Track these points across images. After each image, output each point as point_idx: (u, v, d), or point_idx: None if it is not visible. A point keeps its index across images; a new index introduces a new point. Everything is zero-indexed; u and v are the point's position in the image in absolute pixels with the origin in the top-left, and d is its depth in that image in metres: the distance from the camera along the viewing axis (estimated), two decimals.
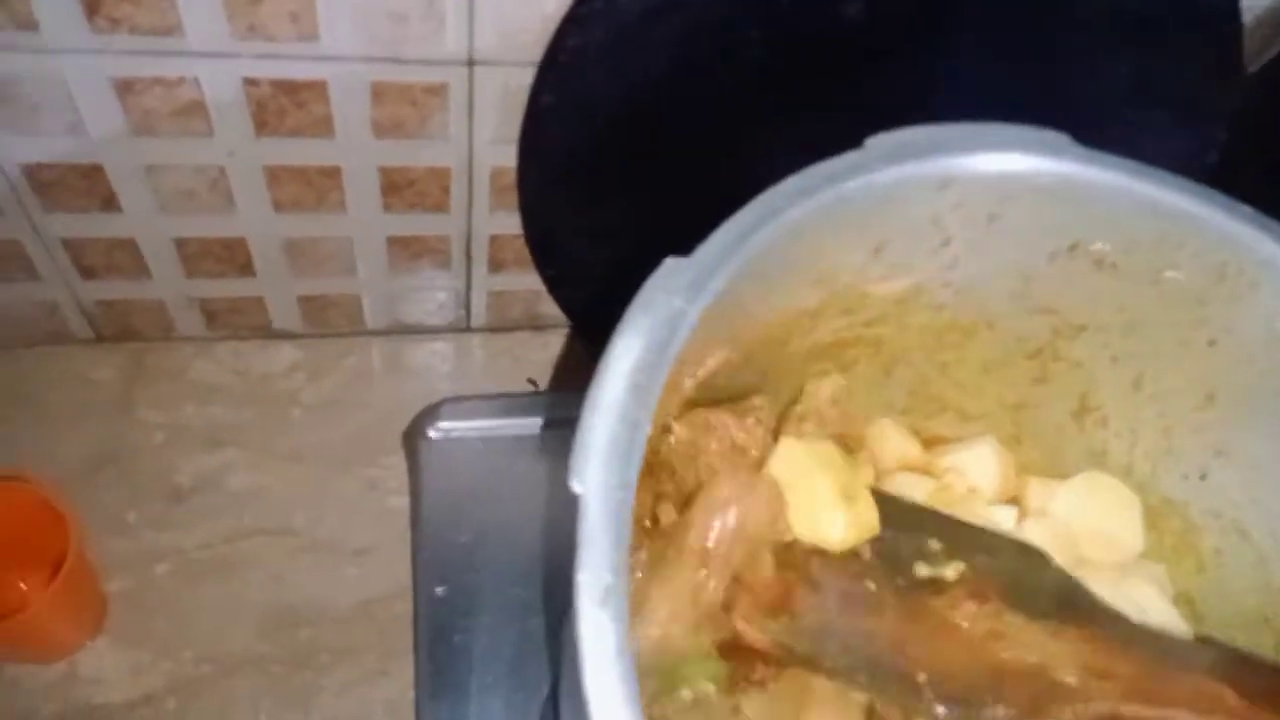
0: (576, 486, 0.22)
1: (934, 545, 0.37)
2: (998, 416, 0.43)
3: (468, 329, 0.62)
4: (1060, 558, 0.40)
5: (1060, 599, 0.38)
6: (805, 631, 0.34)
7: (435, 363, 0.60)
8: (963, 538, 0.38)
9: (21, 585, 0.47)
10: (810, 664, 0.34)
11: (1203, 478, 0.40)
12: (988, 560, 0.38)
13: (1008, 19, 0.46)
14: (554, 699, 0.42)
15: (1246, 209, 0.34)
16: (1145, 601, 0.40)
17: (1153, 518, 0.42)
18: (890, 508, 0.37)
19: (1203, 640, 0.38)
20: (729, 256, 0.27)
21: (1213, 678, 0.35)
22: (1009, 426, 0.43)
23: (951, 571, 0.38)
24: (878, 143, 0.30)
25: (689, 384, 0.33)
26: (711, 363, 0.33)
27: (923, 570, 0.37)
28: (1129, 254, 0.35)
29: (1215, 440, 0.39)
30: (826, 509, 0.34)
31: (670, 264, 0.26)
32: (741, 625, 0.33)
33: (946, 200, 0.33)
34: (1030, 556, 0.38)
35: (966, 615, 0.36)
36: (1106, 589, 0.39)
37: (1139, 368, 0.39)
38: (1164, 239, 0.34)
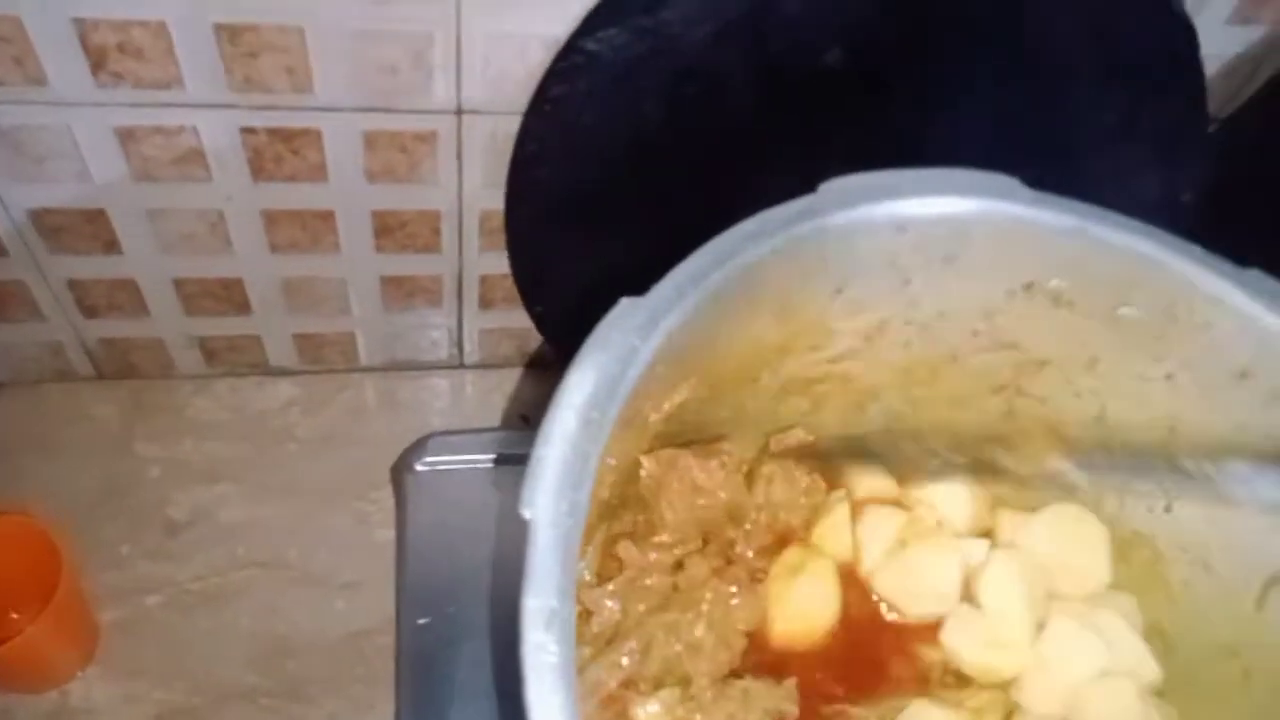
0: (526, 513, 0.23)
1: None
2: (969, 449, 0.44)
3: (460, 365, 0.63)
4: (1032, 590, 0.40)
5: None
6: None
7: (428, 398, 0.62)
8: None
9: (14, 615, 0.48)
10: None
11: (1167, 510, 0.40)
12: None
13: (984, 67, 0.48)
14: None
15: (1196, 249, 0.35)
16: (1114, 633, 0.40)
17: (1123, 549, 0.42)
18: None
19: None
20: (682, 297, 0.28)
21: None
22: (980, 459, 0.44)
23: None
24: (830, 187, 0.32)
25: (655, 418, 0.34)
26: (677, 397, 0.34)
27: None
28: (1085, 292, 0.36)
29: (1179, 474, 0.39)
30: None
31: (625, 304, 0.28)
32: None
33: (903, 242, 0.35)
34: None
35: None
36: (1075, 621, 0.40)
37: (1101, 402, 0.40)
38: (1116, 278, 0.35)
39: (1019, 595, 0.40)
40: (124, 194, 0.48)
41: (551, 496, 0.23)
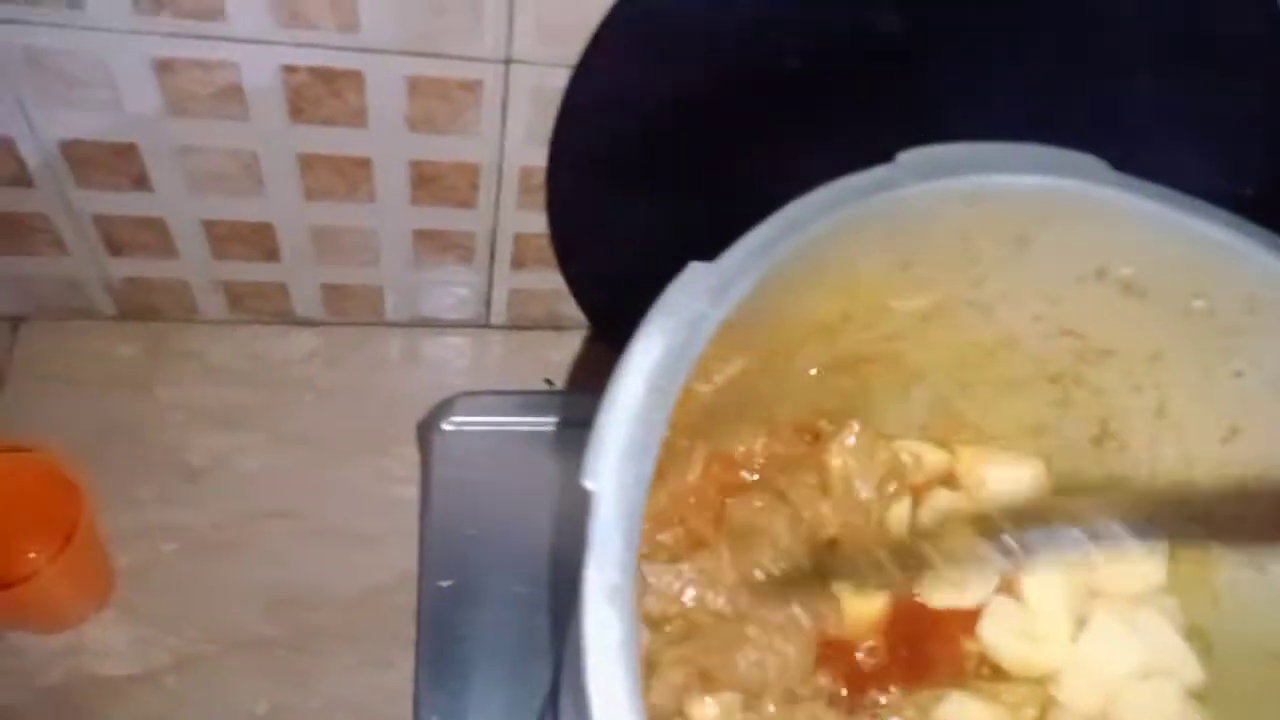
0: (590, 484, 0.22)
1: None
2: (1016, 437, 0.43)
3: (487, 325, 0.62)
4: (1074, 585, 0.39)
5: None
6: None
7: (452, 357, 0.61)
8: None
9: (31, 555, 0.47)
10: None
11: None
12: None
13: (1048, 34, 0.46)
14: (554, 697, 0.42)
15: (1278, 239, 0.33)
16: (1156, 633, 0.39)
17: (1171, 549, 0.41)
18: None
19: None
20: (753, 264, 0.27)
21: None
22: (1027, 448, 0.43)
23: None
24: (909, 158, 0.30)
25: (705, 389, 0.33)
26: (730, 370, 0.33)
27: None
28: (1158, 281, 0.35)
29: (1237, 474, 0.38)
30: None
31: (695, 268, 0.26)
32: None
33: (976, 218, 0.33)
34: None
35: None
36: (1117, 619, 0.39)
37: (1162, 396, 0.38)
38: (1195, 267, 0.34)
39: (1060, 589, 0.39)
40: (157, 128, 0.46)
41: (616, 467, 0.22)
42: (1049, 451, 0.43)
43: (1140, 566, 0.40)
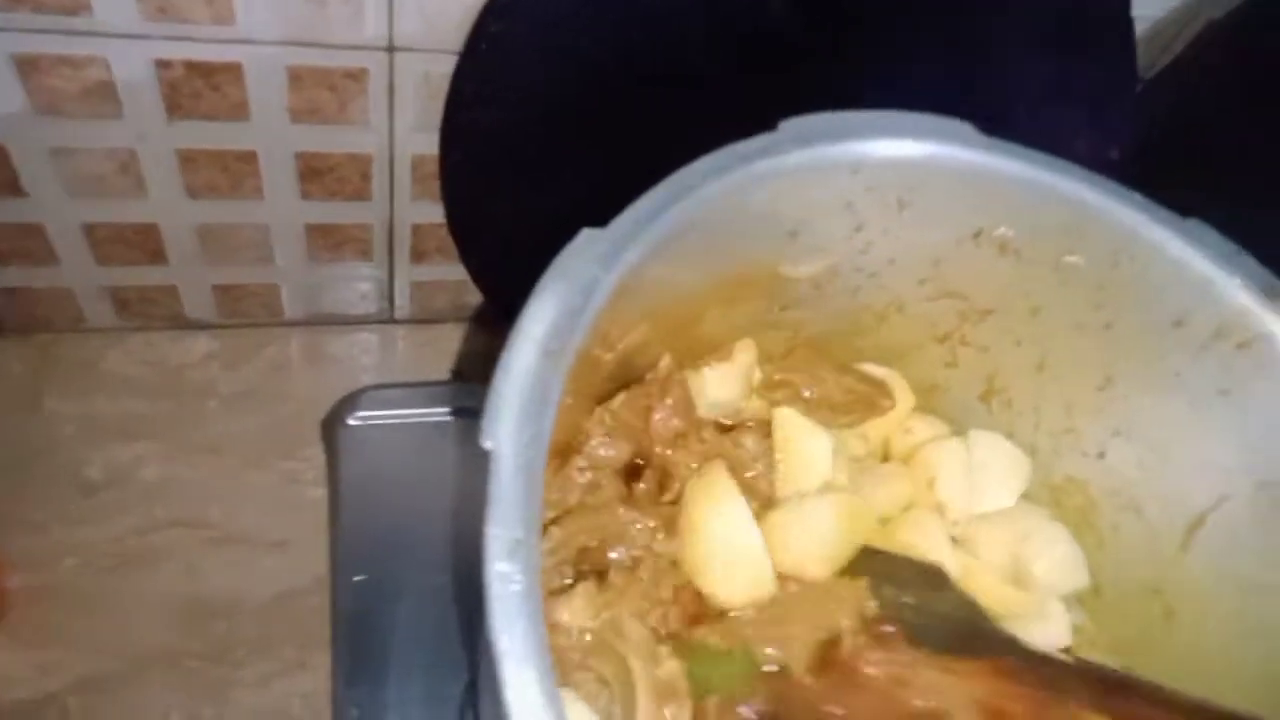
0: (488, 443, 0.22)
1: None
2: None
3: (391, 320, 0.61)
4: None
5: (959, 626, 0.39)
6: None
7: (357, 354, 0.60)
8: (872, 566, 0.38)
9: None
10: None
11: (1101, 456, 0.41)
12: (894, 592, 0.38)
13: (931, 19, 0.48)
14: (472, 685, 0.42)
15: (1138, 197, 0.35)
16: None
17: (1056, 496, 0.43)
18: None
19: (1085, 665, 0.39)
20: (643, 229, 0.27)
21: (1095, 709, 0.35)
22: (922, 407, 0.44)
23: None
24: (790, 125, 0.31)
25: (609, 357, 0.33)
26: (632, 338, 0.34)
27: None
28: (1031, 240, 0.37)
29: (1113, 421, 0.40)
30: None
31: (586, 234, 0.27)
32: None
33: (858, 184, 0.34)
34: (930, 576, 0.39)
35: (875, 663, 0.37)
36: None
37: (1042, 351, 0.40)
38: (1063, 225, 0.36)
39: None
40: (26, 129, 0.45)
41: (513, 427, 0.22)
42: (940, 410, 0.45)
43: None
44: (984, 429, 0.44)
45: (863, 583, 0.37)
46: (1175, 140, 0.55)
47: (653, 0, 0.44)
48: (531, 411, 0.23)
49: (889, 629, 0.37)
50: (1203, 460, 0.38)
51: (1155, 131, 0.54)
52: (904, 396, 0.43)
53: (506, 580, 0.20)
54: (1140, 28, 0.54)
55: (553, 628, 0.30)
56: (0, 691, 0.45)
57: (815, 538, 0.36)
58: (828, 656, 0.36)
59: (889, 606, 0.37)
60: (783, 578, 0.36)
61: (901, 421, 0.43)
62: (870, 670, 0.36)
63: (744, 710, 0.33)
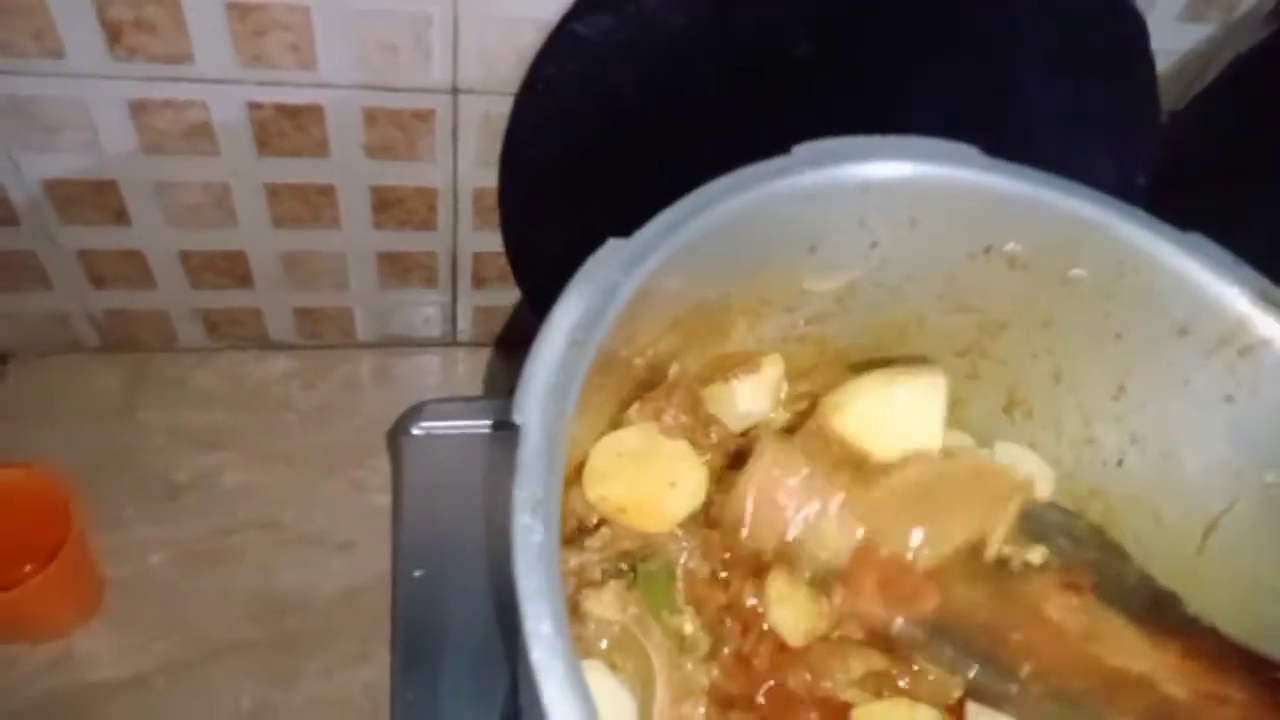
0: (518, 418, 0.25)
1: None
2: None
3: (454, 343, 0.65)
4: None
5: (1150, 603, 0.39)
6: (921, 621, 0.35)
7: (421, 374, 0.64)
8: (1042, 519, 0.39)
9: (26, 567, 0.50)
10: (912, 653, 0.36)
11: (1120, 464, 0.43)
12: (1070, 546, 0.39)
13: (942, 52, 0.51)
14: (514, 687, 0.45)
15: (1138, 212, 0.38)
16: None
17: (1080, 507, 0.45)
18: None
19: None
20: (664, 239, 0.30)
21: None
22: (950, 422, 0.46)
23: (1036, 556, 0.40)
24: (803, 149, 0.34)
25: (639, 363, 0.36)
26: (662, 346, 0.37)
27: (1006, 551, 0.39)
28: (1039, 254, 0.39)
29: (1129, 428, 0.42)
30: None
31: (611, 244, 0.30)
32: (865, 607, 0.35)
33: (870, 203, 0.37)
34: (1110, 549, 0.40)
35: (1059, 608, 0.37)
36: None
37: (1057, 361, 0.42)
38: (1067, 240, 0.38)
39: None
40: (134, 166, 0.50)
41: (540, 404, 0.26)
42: (968, 423, 0.46)
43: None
44: (1008, 441, 0.46)
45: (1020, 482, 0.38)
46: (1204, 170, 0.56)
47: (682, 43, 0.48)
48: (557, 392, 0.26)
49: (1080, 579, 0.37)
50: (1215, 463, 0.39)
51: (1184, 162, 0.56)
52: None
53: (528, 531, 0.23)
54: (1168, 61, 0.56)
55: (579, 616, 0.33)
56: (95, 670, 0.50)
57: None
58: (1011, 591, 0.37)
59: (1069, 562, 0.38)
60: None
61: None
62: (1054, 614, 0.37)
63: (900, 621, 0.34)
